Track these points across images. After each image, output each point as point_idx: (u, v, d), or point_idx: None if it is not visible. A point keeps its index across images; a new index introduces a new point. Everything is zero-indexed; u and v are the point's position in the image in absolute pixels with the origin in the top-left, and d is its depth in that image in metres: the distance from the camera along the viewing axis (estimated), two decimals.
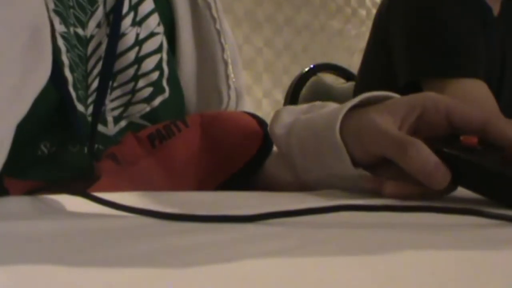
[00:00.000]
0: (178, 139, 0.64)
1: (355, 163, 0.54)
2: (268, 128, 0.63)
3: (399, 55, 1.37)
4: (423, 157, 0.49)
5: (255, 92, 2.80)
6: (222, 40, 0.74)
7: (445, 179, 0.49)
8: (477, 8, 1.38)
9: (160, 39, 0.69)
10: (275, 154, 0.66)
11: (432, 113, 0.52)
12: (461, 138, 0.51)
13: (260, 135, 0.65)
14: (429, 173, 0.49)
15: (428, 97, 0.53)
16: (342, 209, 0.39)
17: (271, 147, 0.65)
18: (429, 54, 1.32)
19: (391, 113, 0.52)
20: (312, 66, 1.88)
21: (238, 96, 0.75)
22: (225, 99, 0.73)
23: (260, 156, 0.65)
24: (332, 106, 0.60)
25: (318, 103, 0.62)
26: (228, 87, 0.74)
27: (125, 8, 0.67)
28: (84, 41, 0.64)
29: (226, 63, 0.74)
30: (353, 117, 0.54)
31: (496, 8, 1.44)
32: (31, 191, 0.44)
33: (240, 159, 0.65)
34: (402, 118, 0.52)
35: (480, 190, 0.50)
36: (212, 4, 0.74)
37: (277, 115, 0.62)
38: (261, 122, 0.66)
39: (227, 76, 0.74)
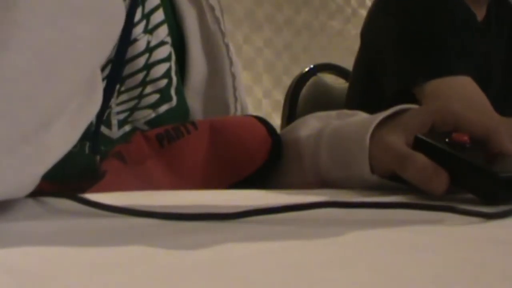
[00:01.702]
0: (187, 140, 0.65)
1: (373, 170, 0.58)
2: (289, 130, 0.68)
3: (384, 67, 1.37)
4: (420, 167, 0.53)
5: (255, 92, 2.80)
6: (231, 54, 0.76)
7: (443, 183, 0.52)
8: (461, 13, 1.38)
9: (169, 49, 0.70)
10: (292, 156, 0.67)
11: (441, 126, 0.57)
12: (453, 135, 0.53)
13: (268, 142, 0.66)
14: (427, 181, 0.52)
15: (438, 112, 0.57)
16: (321, 206, 0.41)
17: (280, 154, 0.66)
18: (413, 63, 1.32)
19: (403, 130, 0.57)
20: (312, 66, 1.87)
21: (243, 110, 0.78)
22: (232, 110, 0.75)
23: (269, 163, 0.66)
24: (361, 115, 0.65)
25: (346, 111, 0.69)
26: (235, 99, 0.76)
27: (138, 15, 0.67)
28: None
29: (234, 76, 0.76)
30: (378, 131, 0.58)
31: (480, 14, 1.44)
32: (34, 192, 0.44)
33: (248, 166, 0.65)
34: (413, 134, 0.56)
35: (462, 184, 0.52)
36: (221, 19, 0.75)
37: (304, 120, 0.68)
38: (270, 128, 0.67)
39: (235, 88, 0.75)
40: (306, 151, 0.64)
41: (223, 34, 0.75)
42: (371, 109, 0.67)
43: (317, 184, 0.63)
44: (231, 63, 0.75)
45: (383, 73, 1.37)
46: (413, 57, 1.32)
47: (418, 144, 0.55)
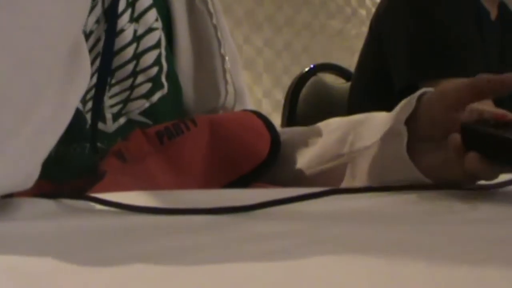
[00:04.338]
0: (187, 137, 0.65)
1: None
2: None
3: (396, 60, 1.37)
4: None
5: (255, 92, 2.80)
6: (219, 35, 0.74)
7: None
8: (474, 11, 1.39)
9: (158, 34, 0.69)
10: (297, 152, 0.67)
11: (477, 95, 0.54)
12: (494, 116, 0.53)
13: (267, 139, 0.66)
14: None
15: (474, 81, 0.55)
16: (328, 194, 0.41)
17: (278, 150, 0.66)
18: (426, 57, 1.32)
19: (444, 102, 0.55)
20: (312, 66, 1.87)
21: (239, 94, 0.76)
22: (223, 93, 0.74)
23: (268, 160, 0.66)
24: (376, 123, 0.63)
25: (357, 118, 0.66)
26: (226, 81, 0.74)
27: (123, 5, 0.66)
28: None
29: (223, 58, 0.74)
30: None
31: (493, 12, 1.45)
32: (34, 192, 0.44)
33: (248, 162, 0.65)
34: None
35: (504, 161, 0.52)
36: (208, 0, 0.74)
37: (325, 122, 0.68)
38: (269, 124, 0.67)
39: (224, 71, 0.74)
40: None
41: (211, 14, 0.74)
42: (375, 106, 0.66)
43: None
44: (220, 44, 0.74)
45: (394, 66, 1.36)
46: (427, 53, 1.32)
47: (465, 133, 0.53)
